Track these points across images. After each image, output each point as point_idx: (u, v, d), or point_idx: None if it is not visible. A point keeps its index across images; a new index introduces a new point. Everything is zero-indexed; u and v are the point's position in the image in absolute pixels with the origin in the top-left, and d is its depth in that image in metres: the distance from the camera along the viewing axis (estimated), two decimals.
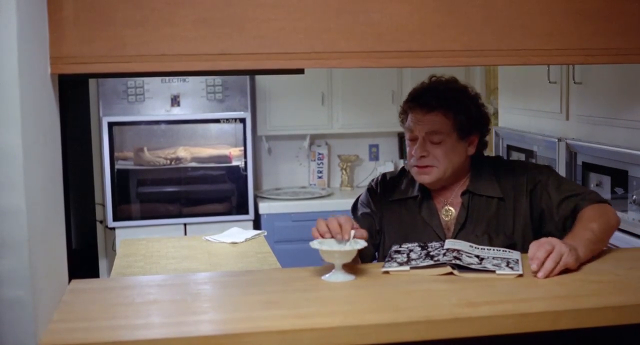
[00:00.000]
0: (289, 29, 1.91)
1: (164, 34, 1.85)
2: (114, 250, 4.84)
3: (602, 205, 2.20)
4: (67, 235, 1.90)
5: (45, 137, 1.71)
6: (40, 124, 1.67)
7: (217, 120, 5.01)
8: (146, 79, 4.84)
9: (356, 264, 2.06)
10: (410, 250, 2.08)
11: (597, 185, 2.98)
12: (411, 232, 2.33)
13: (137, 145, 4.99)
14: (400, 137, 5.72)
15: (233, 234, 3.88)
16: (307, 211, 5.08)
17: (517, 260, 2.00)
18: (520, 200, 2.29)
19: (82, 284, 1.93)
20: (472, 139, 2.34)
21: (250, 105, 5.07)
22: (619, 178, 2.83)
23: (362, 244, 1.96)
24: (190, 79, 4.91)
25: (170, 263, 3.36)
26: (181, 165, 5.02)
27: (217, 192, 5.16)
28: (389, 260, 2.02)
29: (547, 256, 1.88)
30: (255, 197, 5.19)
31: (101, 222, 5.18)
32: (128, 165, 4.98)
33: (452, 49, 2.00)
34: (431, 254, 2.01)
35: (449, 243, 2.07)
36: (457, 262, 1.93)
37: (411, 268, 1.95)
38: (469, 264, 1.93)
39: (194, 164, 5.05)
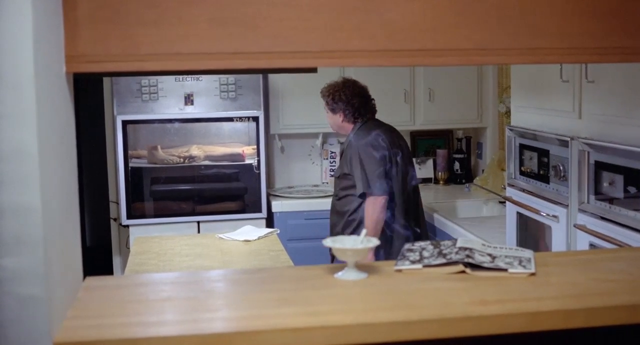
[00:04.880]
0: (301, 28, 1.91)
1: (177, 33, 1.86)
2: (128, 248, 4.86)
3: None
4: (81, 232, 1.91)
5: (61, 136, 1.73)
6: (55, 123, 1.68)
7: (230, 119, 5.02)
8: (160, 78, 4.86)
9: None
10: (423, 249, 2.08)
11: (609, 184, 2.97)
12: None
13: (150, 144, 5.01)
14: (413, 135, 5.72)
15: (246, 232, 3.90)
16: (320, 209, 5.07)
17: (530, 258, 2.00)
18: None
19: (97, 282, 1.95)
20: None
21: (263, 104, 5.08)
22: (632, 177, 2.81)
23: (374, 241, 1.96)
24: (204, 77, 4.92)
25: (183, 261, 3.38)
26: (194, 163, 5.04)
27: (230, 190, 5.17)
28: (401, 259, 2.03)
29: None
30: (268, 195, 5.20)
31: (115, 219, 5.21)
32: (142, 163, 5.00)
33: (464, 48, 1.99)
34: (444, 252, 2.01)
35: (462, 241, 2.07)
36: (470, 260, 1.93)
37: (424, 266, 1.95)
38: (481, 262, 1.93)
39: (207, 162, 5.07)
